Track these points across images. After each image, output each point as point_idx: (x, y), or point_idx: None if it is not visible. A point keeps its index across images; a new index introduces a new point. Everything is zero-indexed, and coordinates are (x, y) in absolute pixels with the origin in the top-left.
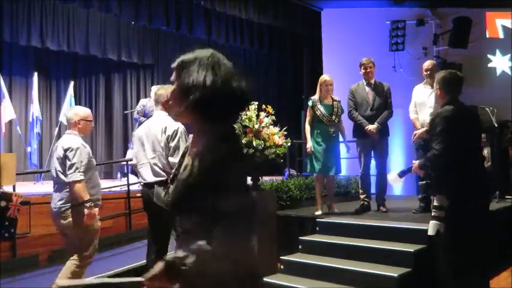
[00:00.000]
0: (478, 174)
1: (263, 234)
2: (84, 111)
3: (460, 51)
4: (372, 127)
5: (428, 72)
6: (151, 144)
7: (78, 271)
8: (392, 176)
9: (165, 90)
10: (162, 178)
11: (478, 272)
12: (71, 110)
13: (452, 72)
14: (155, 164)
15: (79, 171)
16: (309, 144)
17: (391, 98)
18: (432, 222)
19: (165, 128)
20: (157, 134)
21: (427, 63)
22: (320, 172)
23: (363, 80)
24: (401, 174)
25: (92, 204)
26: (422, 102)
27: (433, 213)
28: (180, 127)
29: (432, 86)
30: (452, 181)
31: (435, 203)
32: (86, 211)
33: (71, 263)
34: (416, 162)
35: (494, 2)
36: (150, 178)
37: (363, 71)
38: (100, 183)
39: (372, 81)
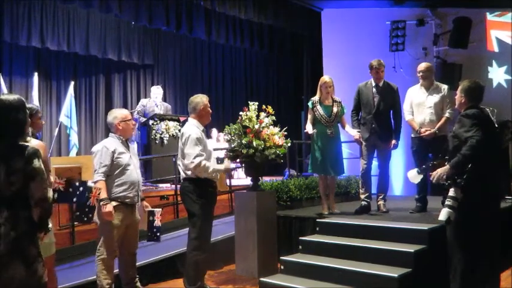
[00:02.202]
0: (494, 174)
1: (263, 234)
2: (120, 113)
3: (460, 52)
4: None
5: (422, 74)
6: (180, 147)
7: (103, 262)
8: (411, 174)
9: (200, 99)
10: (186, 175)
11: (485, 264)
12: (110, 114)
13: (476, 82)
14: (179, 165)
15: (97, 173)
16: (310, 130)
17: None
18: (444, 210)
19: (182, 134)
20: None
21: (422, 66)
22: (319, 173)
23: (372, 81)
24: (421, 171)
25: (107, 202)
26: (421, 103)
27: (447, 202)
28: (192, 134)
29: (428, 88)
30: (469, 176)
31: (451, 194)
32: (103, 208)
33: (96, 253)
34: (440, 170)
35: (494, 2)
36: (181, 175)
37: (374, 73)
38: (134, 180)
39: (381, 84)
